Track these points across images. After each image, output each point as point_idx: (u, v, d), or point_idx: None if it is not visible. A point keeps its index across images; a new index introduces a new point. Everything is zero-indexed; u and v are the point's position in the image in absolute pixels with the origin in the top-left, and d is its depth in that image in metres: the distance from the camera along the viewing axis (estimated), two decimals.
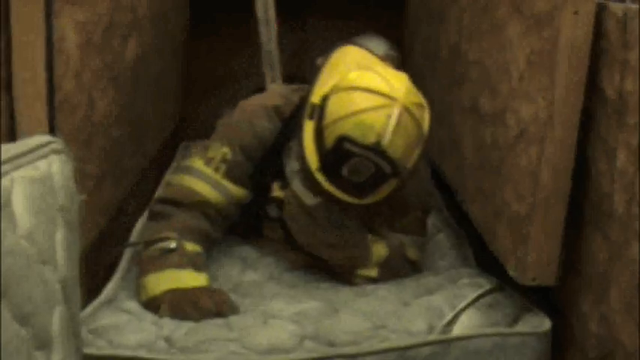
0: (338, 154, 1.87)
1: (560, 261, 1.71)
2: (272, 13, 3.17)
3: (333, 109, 1.89)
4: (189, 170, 2.06)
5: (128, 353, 1.65)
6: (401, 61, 2.30)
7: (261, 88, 2.77)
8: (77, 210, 1.26)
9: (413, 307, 1.83)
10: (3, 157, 1.07)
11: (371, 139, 1.84)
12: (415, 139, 1.93)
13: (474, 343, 1.72)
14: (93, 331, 1.70)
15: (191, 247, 1.92)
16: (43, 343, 1.11)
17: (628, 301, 1.48)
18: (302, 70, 3.84)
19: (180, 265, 1.87)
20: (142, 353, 1.65)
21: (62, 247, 1.18)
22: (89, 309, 1.79)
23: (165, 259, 1.87)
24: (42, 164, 1.17)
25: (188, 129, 3.30)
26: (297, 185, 1.97)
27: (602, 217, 1.59)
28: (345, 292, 1.92)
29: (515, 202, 1.79)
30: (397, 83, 1.91)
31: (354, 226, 2.01)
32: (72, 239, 1.24)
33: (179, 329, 1.74)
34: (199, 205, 2.00)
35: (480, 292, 1.87)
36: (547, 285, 1.73)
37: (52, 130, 1.52)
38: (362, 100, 1.86)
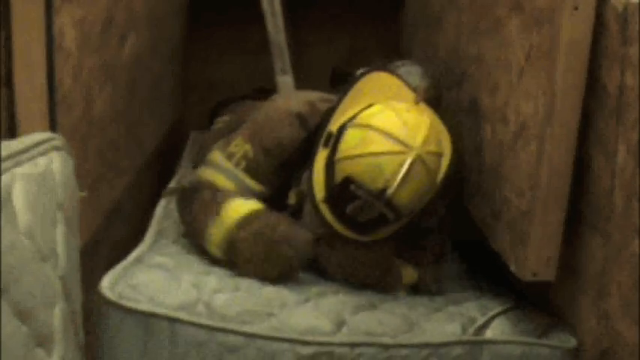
0: (344, 192, 1.83)
1: (558, 259, 1.72)
2: (278, 3, 3.17)
3: (347, 145, 1.84)
4: (208, 163, 2.04)
5: (170, 313, 1.66)
6: (438, 95, 2.22)
7: (262, 87, 2.77)
8: (77, 206, 1.27)
9: (445, 312, 1.85)
10: (3, 154, 1.07)
11: (378, 185, 1.78)
12: (425, 188, 1.85)
13: (505, 349, 1.75)
14: (133, 287, 1.70)
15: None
16: (44, 340, 1.11)
17: (627, 298, 1.48)
18: (299, 72, 3.86)
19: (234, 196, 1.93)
20: (183, 315, 1.66)
21: (62, 244, 1.19)
22: (123, 264, 1.80)
23: (217, 200, 1.92)
24: (42, 161, 1.17)
25: (185, 129, 3.30)
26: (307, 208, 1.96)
27: (602, 214, 1.59)
28: (380, 294, 1.92)
29: (514, 198, 1.79)
30: (416, 128, 1.83)
31: (381, 247, 1.99)
32: (72, 236, 1.24)
33: (220, 295, 1.74)
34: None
35: (508, 305, 1.90)
36: (547, 280, 1.73)
37: (52, 127, 1.52)
38: (377, 143, 1.80)
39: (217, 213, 1.89)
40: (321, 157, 1.91)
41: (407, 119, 1.83)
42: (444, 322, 1.79)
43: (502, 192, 1.88)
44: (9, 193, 1.06)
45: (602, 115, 1.59)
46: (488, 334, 1.79)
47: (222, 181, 1.99)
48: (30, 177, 1.11)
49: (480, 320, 1.81)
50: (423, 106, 1.92)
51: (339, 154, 1.84)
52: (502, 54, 1.91)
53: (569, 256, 1.72)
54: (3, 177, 1.05)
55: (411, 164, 1.77)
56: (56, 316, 1.15)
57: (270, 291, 1.79)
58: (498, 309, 1.87)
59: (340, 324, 1.73)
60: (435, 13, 2.70)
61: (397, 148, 1.79)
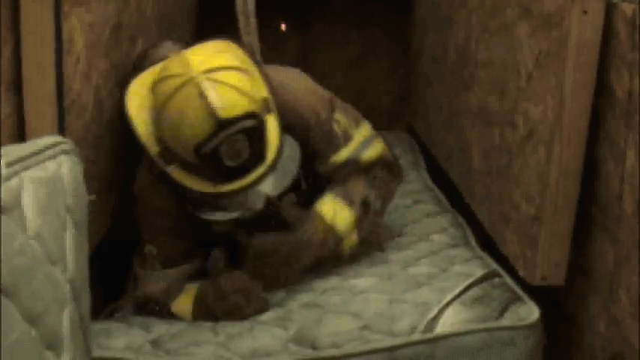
0: (212, 152, 1.79)
1: (567, 262, 1.71)
2: (252, 5, 3.17)
3: (168, 135, 1.85)
4: (135, 276, 2.06)
5: (116, 355, 1.70)
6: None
7: None
8: (86, 210, 1.27)
9: (400, 304, 1.82)
10: (12, 158, 1.08)
11: (211, 121, 1.76)
12: (237, 93, 1.80)
13: (460, 341, 1.71)
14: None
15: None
16: (53, 343, 1.11)
17: (637, 302, 1.47)
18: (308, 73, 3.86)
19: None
20: (128, 355, 1.70)
21: (71, 248, 1.19)
22: None
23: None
24: (51, 165, 1.17)
25: None
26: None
27: (611, 217, 1.59)
28: (334, 294, 1.92)
29: (524, 203, 1.79)
30: (191, 55, 1.85)
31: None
32: (81, 239, 1.24)
33: (166, 333, 1.78)
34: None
35: (469, 282, 1.86)
36: (556, 285, 1.72)
37: (61, 131, 1.52)
38: (174, 105, 1.80)
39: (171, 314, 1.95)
40: (175, 172, 1.89)
41: (187, 54, 1.86)
42: (396, 319, 1.76)
43: (511, 196, 1.88)
44: (18, 197, 1.06)
45: (611, 119, 1.59)
46: (440, 326, 1.74)
47: (155, 286, 1.98)
48: (39, 181, 1.11)
49: (434, 309, 1.77)
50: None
51: (172, 146, 1.84)
52: (511, 58, 1.91)
53: (579, 259, 1.72)
54: (12, 181, 1.06)
55: (202, 86, 1.76)
56: (65, 320, 1.15)
57: (221, 324, 1.83)
58: (456, 291, 1.83)
59: (286, 342, 1.73)
60: (444, 14, 2.70)
61: (180, 80, 1.79)
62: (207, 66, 1.80)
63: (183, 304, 1.94)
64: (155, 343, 1.74)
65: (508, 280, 1.86)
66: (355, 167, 2.10)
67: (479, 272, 1.89)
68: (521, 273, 1.78)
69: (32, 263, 1.06)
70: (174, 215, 1.97)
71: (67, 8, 1.57)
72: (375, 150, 2.13)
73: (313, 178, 2.11)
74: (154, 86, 1.87)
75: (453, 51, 2.55)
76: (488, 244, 2.10)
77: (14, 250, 1.01)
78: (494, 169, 2.03)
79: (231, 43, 2.00)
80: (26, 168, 1.10)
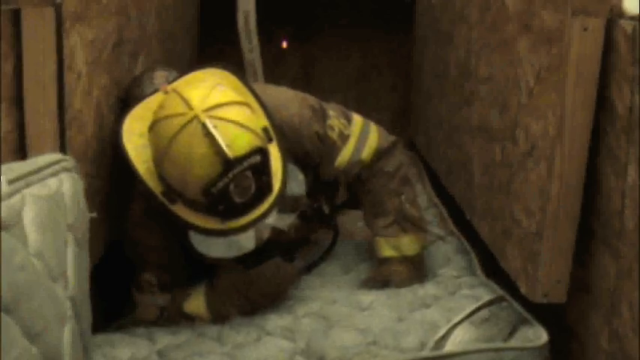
0: (215, 193, 1.76)
1: (570, 278, 1.71)
2: (253, 22, 3.17)
3: (172, 176, 1.79)
4: (135, 305, 2.09)
5: None
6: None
7: None
8: (87, 227, 1.27)
9: (407, 321, 1.83)
10: (14, 175, 1.08)
11: (217, 160, 1.72)
12: (241, 129, 1.76)
13: (467, 359, 1.71)
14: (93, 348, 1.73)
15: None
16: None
17: (638, 317, 1.47)
18: (309, 88, 3.87)
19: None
20: None
21: (72, 264, 1.19)
22: None
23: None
24: (52, 182, 1.17)
25: None
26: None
27: (613, 232, 1.59)
28: (341, 307, 1.92)
29: (525, 219, 1.79)
30: (190, 93, 1.79)
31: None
32: (82, 256, 1.24)
33: (172, 343, 1.79)
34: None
35: (477, 304, 1.86)
36: (557, 302, 1.72)
37: (62, 147, 1.52)
38: (179, 146, 1.73)
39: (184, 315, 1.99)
40: (179, 209, 1.84)
41: (184, 89, 1.81)
42: (404, 335, 1.76)
43: (512, 212, 1.88)
44: (20, 214, 1.06)
45: (612, 134, 1.59)
46: (449, 345, 1.74)
47: (150, 315, 2.01)
48: (40, 198, 1.11)
49: (443, 328, 1.78)
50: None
51: (178, 188, 1.80)
52: (512, 73, 1.91)
53: (580, 273, 1.71)
54: (14, 198, 1.06)
55: (205, 124, 1.71)
56: (66, 336, 1.15)
57: (223, 333, 1.84)
58: (465, 312, 1.83)
59: (293, 354, 1.73)
60: (445, 30, 2.70)
61: (182, 120, 1.74)
62: (208, 103, 1.75)
63: (196, 301, 1.98)
64: (161, 354, 1.74)
65: (515, 304, 1.86)
66: (360, 167, 2.13)
67: (486, 296, 1.90)
68: (522, 290, 1.78)
69: (33, 280, 1.06)
70: (167, 250, 2.00)
71: (69, 25, 1.57)
72: (371, 144, 2.15)
73: (318, 201, 2.15)
74: (153, 126, 1.81)
75: (453, 66, 2.55)
76: (489, 260, 2.10)
77: (15, 266, 1.01)
78: (495, 185, 2.03)
79: (221, 71, 1.98)
80: (28, 185, 1.10)
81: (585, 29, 1.55)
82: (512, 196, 1.88)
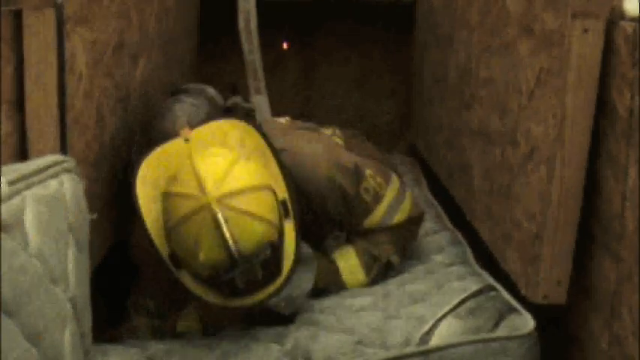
0: (223, 277, 1.74)
1: (569, 280, 1.71)
2: (254, 23, 3.18)
3: (182, 252, 1.76)
4: (131, 324, 2.05)
5: None
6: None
7: (234, 87, 2.73)
8: (88, 229, 1.27)
9: (395, 319, 1.83)
10: (15, 176, 1.08)
11: (225, 253, 1.68)
12: (255, 222, 1.71)
13: (455, 352, 1.70)
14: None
15: None
16: None
17: (638, 320, 1.47)
18: (310, 92, 3.87)
19: None
20: None
21: (73, 266, 1.19)
22: None
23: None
24: (53, 183, 1.17)
25: None
26: None
27: (612, 236, 1.59)
28: (330, 315, 1.91)
29: (525, 221, 1.79)
30: (205, 172, 1.72)
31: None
32: (82, 258, 1.24)
33: (162, 349, 1.79)
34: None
35: (463, 296, 1.85)
36: (558, 303, 1.72)
37: (63, 149, 1.52)
38: (189, 229, 1.70)
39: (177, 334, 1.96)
40: (184, 277, 1.81)
41: (200, 164, 1.74)
42: (390, 332, 1.77)
43: (513, 214, 1.88)
44: (20, 216, 1.06)
45: (612, 137, 1.59)
46: (435, 339, 1.74)
47: (144, 332, 1.99)
48: (41, 199, 1.11)
49: (429, 323, 1.77)
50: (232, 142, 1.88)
51: (184, 262, 1.77)
52: (512, 76, 1.91)
53: (581, 277, 1.71)
54: (14, 199, 1.06)
55: (218, 216, 1.66)
56: (66, 339, 1.14)
57: (212, 339, 1.84)
58: (451, 305, 1.83)
59: (281, 356, 1.73)
60: (445, 34, 2.71)
61: (195, 205, 1.69)
62: (223, 190, 1.69)
63: (188, 319, 1.95)
64: (151, 359, 1.75)
65: (503, 292, 1.86)
66: (385, 229, 2.08)
67: (475, 287, 1.89)
68: (522, 291, 1.78)
69: (33, 282, 1.06)
70: (170, 281, 1.92)
71: (70, 27, 1.58)
72: (403, 211, 2.11)
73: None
74: (166, 197, 1.77)
75: (453, 70, 2.56)
76: (490, 262, 2.10)
77: (15, 268, 1.01)
78: (495, 188, 2.03)
79: (245, 125, 1.91)
80: (28, 186, 1.10)
81: (586, 31, 1.55)
82: (512, 199, 1.88)
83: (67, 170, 1.22)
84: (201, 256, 1.69)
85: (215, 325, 1.92)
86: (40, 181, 1.14)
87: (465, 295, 1.85)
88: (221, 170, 1.72)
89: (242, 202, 1.69)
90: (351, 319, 1.85)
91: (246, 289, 1.76)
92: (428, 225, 2.40)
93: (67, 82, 1.54)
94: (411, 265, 2.17)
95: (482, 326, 1.76)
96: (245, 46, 3.19)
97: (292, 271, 1.82)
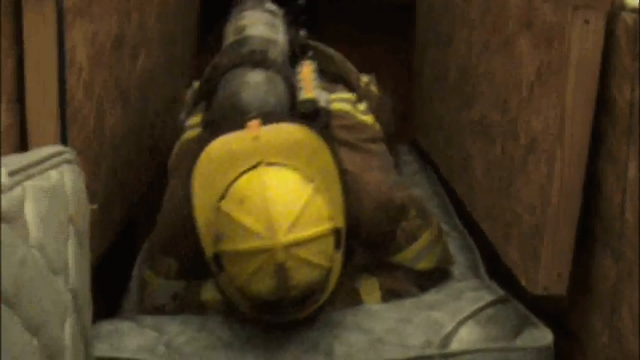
0: (265, 305, 1.72)
1: (569, 277, 1.71)
2: None
3: (233, 273, 1.69)
4: (145, 286, 1.95)
5: (128, 355, 1.69)
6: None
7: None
8: (88, 220, 1.27)
9: (413, 322, 1.81)
10: (15, 167, 1.08)
11: (278, 295, 1.65)
12: (315, 271, 1.67)
13: (473, 359, 1.71)
14: (95, 336, 1.71)
15: None
16: (55, 354, 1.10)
17: (639, 318, 1.47)
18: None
19: None
20: (141, 356, 1.70)
21: (73, 258, 1.19)
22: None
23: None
24: (53, 174, 1.17)
25: None
26: None
27: (613, 233, 1.59)
28: (346, 314, 1.88)
29: (526, 215, 1.79)
30: (279, 211, 1.63)
31: None
32: (83, 249, 1.24)
33: (180, 336, 1.76)
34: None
35: (481, 304, 1.84)
36: (558, 294, 1.72)
37: (63, 142, 1.52)
38: (247, 263, 1.63)
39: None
40: (223, 281, 1.76)
41: (274, 198, 1.64)
42: (408, 335, 1.75)
43: (513, 208, 1.88)
44: (21, 207, 1.06)
45: (612, 132, 1.59)
46: (455, 344, 1.73)
47: (162, 301, 1.92)
48: (41, 190, 1.11)
49: (448, 327, 1.76)
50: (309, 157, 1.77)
51: (232, 291, 1.73)
52: (512, 71, 1.91)
53: (580, 273, 1.71)
54: (15, 190, 1.06)
55: (283, 263, 1.61)
56: (67, 330, 1.15)
57: (235, 329, 1.80)
58: (470, 310, 1.82)
59: (301, 351, 1.72)
60: (445, 31, 2.71)
61: (259, 243, 1.61)
62: (292, 237, 1.60)
63: (213, 289, 1.87)
64: (168, 346, 1.73)
65: (520, 305, 1.86)
66: (410, 271, 2.00)
67: (490, 297, 1.88)
68: (523, 283, 1.78)
69: (34, 273, 1.06)
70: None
71: (70, 19, 1.58)
72: (432, 257, 2.01)
73: None
74: (227, 216, 1.67)
75: (454, 67, 2.55)
76: (489, 256, 2.10)
77: (16, 260, 1.01)
78: (496, 183, 2.03)
79: (317, 138, 1.79)
80: (28, 177, 1.10)
81: (586, 22, 1.55)
82: (513, 194, 1.89)
83: (68, 161, 1.22)
84: (254, 289, 1.66)
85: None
86: (41, 172, 1.14)
87: (483, 303, 1.85)
88: (294, 213, 1.63)
89: (307, 253, 1.64)
90: (369, 321, 1.83)
91: (281, 312, 1.74)
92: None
93: (67, 74, 1.54)
94: None
95: (502, 335, 1.75)
96: None
97: (329, 299, 1.80)
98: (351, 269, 1.95)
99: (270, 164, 1.72)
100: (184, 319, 1.84)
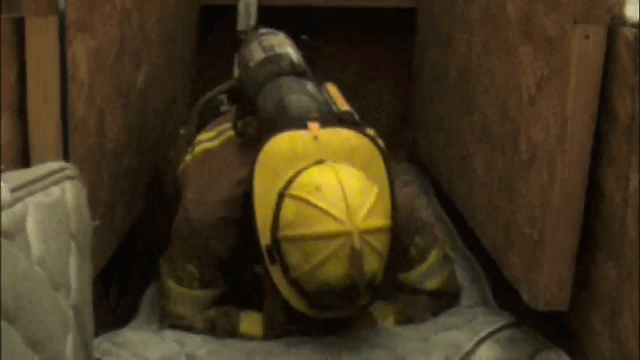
0: (324, 295, 1.74)
1: (572, 281, 1.71)
2: (253, 7, 3.18)
3: (295, 261, 1.72)
4: (167, 296, 1.96)
5: None
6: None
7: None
8: (90, 236, 1.27)
9: (432, 342, 1.83)
10: (17, 183, 1.08)
11: (347, 282, 1.68)
12: (382, 260, 1.73)
13: None
14: (118, 344, 1.75)
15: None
16: None
17: (639, 321, 1.47)
18: None
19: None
20: None
21: (75, 273, 1.19)
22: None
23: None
24: (55, 190, 1.17)
25: None
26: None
27: (614, 238, 1.59)
28: (365, 329, 1.91)
29: (527, 225, 1.79)
30: (359, 199, 1.70)
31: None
32: (84, 265, 1.24)
33: (201, 348, 1.78)
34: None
35: (497, 326, 1.86)
36: (560, 309, 1.72)
37: (65, 156, 1.53)
38: (319, 248, 1.67)
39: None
40: (276, 274, 1.78)
41: (349, 187, 1.71)
42: (429, 353, 1.77)
43: (514, 220, 1.88)
44: (23, 223, 1.06)
45: (613, 142, 1.59)
46: None
47: (186, 310, 1.92)
48: (43, 206, 1.11)
49: (467, 346, 1.78)
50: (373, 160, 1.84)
51: (296, 272, 1.73)
52: (513, 80, 1.91)
53: (582, 278, 1.71)
54: (17, 206, 1.06)
55: (360, 249, 1.66)
56: (68, 346, 1.15)
57: (253, 344, 1.82)
58: (487, 330, 1.83)
59: None
60: (446, 32, 2.71)
61: (336, 231, 1.67)
62: (367, 224, 1.67)
63: (252, 322, 1.90)
64: (190, 357, 1.74)
65: (533, 330, 1.87)
66: (418, 293, 2.02)
67: (503, 321, 1.90)
68: (524, 298, 1.78)
69: (36, 289, 1.06)
70: (226, 252, 1.90)
71: (72, 34, 1.58)
72: (440, 278, 2.04)
73: None
74: (302, 201, 1.71)
75: (454, 70, 2.56)
76: (491, 267, 2.10)
77: (18, 275, 1.01)
78: (496, 192, 2.03)
79: (371, 146, 1.87)
80: (30, 193, 1.10)
81: (586, 36, 1.55)
82: (514, 204, 1.88)
83: (69, 177, 1.22)
84: (321, 276, 1.68)
85: (276, 333, 1.87)
86: (42, 188, 1.14)
87: (498, 325, 1.86)
88: (370, 203, 1.70)
89: (377, 242, 1.70)
90: (388, 338, 1.84)
91: (335, 306, 1.77)
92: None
93: (69, 88, 1.55)
94: None
95: (520, 356, 1.76)
96: (241, 29, 3.19)
97: (374, 294, 1.83)
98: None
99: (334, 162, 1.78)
100: (203, 335, 1.84)
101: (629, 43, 1.51)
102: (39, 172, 1.16)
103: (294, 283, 1.75)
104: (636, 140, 1.49)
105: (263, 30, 2.33)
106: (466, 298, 2.15)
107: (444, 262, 2.07)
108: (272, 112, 1.95)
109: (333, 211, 1.68)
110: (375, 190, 1.76)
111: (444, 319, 1.97)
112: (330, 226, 1.67)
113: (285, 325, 1.87)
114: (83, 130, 1.72)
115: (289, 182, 1.76)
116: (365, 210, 1.69)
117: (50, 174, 1.18)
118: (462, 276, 2.26)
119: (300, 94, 1.98)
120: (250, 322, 1.90)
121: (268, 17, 3.34)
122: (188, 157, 2.09)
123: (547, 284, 1.69)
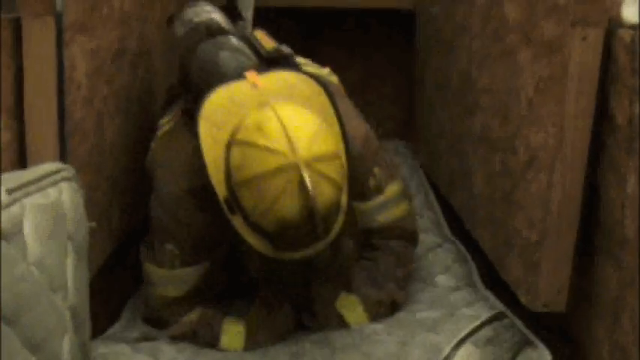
0: (285, 232, 1.72)
1: (571, 287, 1.71)
2: (250, 14, 3.18)
3: (251, 204, 1.71)
4: (151, 281, 1.97)
5: None
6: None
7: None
8: (87, 237, 1.27)
9: (411, 345, 1.81)
10: (14, 185, 1.08)
11: (303, 213, 1.67)
12: (334, 188, 1.72)
13: None
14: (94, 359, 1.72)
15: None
16: None
17: (639, 328, 1.47)
18: None
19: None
20: None
21: (72, 275, 1.19)
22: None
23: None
24: (52, 192, 1.17)
25: None
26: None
27: (614, 243, 1.59)
28: (343, 336, 1.90)
29: (525, 229, 1.79)
30: (296, 131, 1.69)
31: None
32: (81, 266, 1.24)
33: (175, 358, 1.77)
34: (179, 303, 1.97)
35: (477, 323, 1.85)
36: (557, 311, 1.72)
37: (62, 158, 1.52)
38: (269, 185, 1.67)
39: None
40: (238, 223, 1.77)
41: (288, 122, 1.71)
42: (408, 358, 1.75)
43: (513, 223, 1.88)
44: (20, 224, 1.06)
45: (612, 145, 1.59)
46: None
47: (172, 291, 1.94)
48: (40, 208, 1.11)
49: (446, 350, 1.76)
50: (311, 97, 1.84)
51: (252, 217, 1.72)
52: (512, 83, 1.91)
53: (582, 283, 1.71)
54: (13, 208, 1.06)
55: (308, 179, 1.65)
56: (65, 347, 1.15)
57: (230, 354, 1.82)
58: (467, 330, 1.82)
59: None
60: (447, 40, 2.71)
61: (282, 161, 1.66)
62: (313, 153, 1.67)
63: (234, 338, 1.90)
64: None
65: (517, 322, 1.86)
66: (371, 230, 2.04)
67: (485, 314, 1.89)
68: (522, 300, 1.78)
69: (33, 290, 1.06)
70: (200, 224, 1.90)
71: (69, 35, 1.58)
72: (396, 212, 2.07)
73: None
74: (244, 144, 1.72)
75: (455, 76, 2.56)
76: (488, 271, 2.10)
77: (15, 277, 1.01)
78: (496, 195, 2.03)
79: (310, 82, 1.89)
80: (27, 195, 1.10)
81: (584, 39, 1.55)
82: (513, 207, 1.88)
83: (66, 179, 1.22)
84: (277, 213, 1.67)
85: (256, 346, 1.88)
86: (39, 190, 1.14)
87: (479, 322, 1.85)
88: (311, 132, 1.70)
89: (325, 168, 1.69)
90: (365, 343, 1.84)
91: (300, 244, 1.74)
92: (430, 238, 2.38)
93: (66, 89, 1.55)
94: (416, 290, 2.14)
95: (501, 357, 1.75)
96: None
97: (342, 230, 1.81)
98: (342, 258, 1.97)
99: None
100: (181, 347, 1.84)
101: (627, 45, 1.51)
102: (36, 174, 1.16)
103: (254, 227, 1.73)
104: (635, 142, 1.49)
105: (187, 6, 2.31)
106: (453, 278, 2.15)
107: (402, 197, 2.09)
108: (206, 78, 1.94)
109: (275, 146, 1.67)
110: (318, 121, 1.75)
111: (425, 314, 1.96)
112: (275, 161, 1.66)
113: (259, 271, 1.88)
114: (81, 132, 1.71)
115: (234, 131, 1.76)
116: (306, 140, 1.68)
117: (47, 175, 1.18)
118: (446, 257, 2.26)
119: (225, 50, 1.99)
120: (231, 335, 1.90)
121: (269, 20, 3.35)
122: (152, 144, 2.09)
123: (545, 287, 1.69)
